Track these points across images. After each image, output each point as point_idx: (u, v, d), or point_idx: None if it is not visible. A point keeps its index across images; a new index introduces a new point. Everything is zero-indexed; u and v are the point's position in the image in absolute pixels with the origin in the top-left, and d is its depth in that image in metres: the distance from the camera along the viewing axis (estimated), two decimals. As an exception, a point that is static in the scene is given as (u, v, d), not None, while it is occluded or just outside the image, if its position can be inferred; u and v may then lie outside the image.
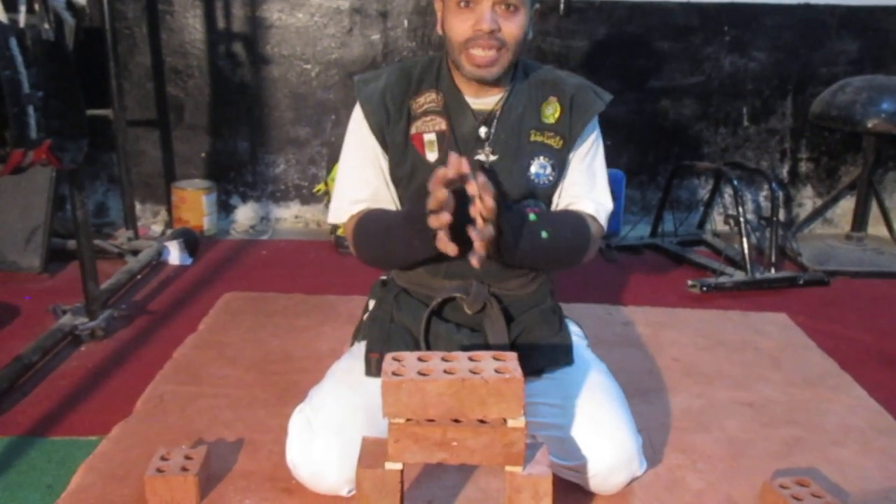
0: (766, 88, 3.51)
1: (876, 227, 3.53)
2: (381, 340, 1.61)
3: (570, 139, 1.60)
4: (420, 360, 1.20)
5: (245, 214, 3.61)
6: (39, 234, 2.86)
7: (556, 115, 1.60)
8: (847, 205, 3.60)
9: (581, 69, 3.39)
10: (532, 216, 1.49)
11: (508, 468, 1.19)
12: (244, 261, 3.12)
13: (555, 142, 1.59)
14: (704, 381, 2.11)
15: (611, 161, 3.56)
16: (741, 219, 2.97)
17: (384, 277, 1.75)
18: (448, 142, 1.56)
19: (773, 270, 2.97)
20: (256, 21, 3.37)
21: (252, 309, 2.52)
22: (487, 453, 1.16)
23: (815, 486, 1.50)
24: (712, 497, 1.59)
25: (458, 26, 1.47)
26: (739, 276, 2.90)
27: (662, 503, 1.56)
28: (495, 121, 1.57)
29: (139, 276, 2.83)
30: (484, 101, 1.58)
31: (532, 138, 1.58)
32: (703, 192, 3.56)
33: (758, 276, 2.90)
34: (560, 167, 1.61)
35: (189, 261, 3.06)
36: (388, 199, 1.63)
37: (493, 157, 1.56)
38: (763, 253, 3.09)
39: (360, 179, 1.62)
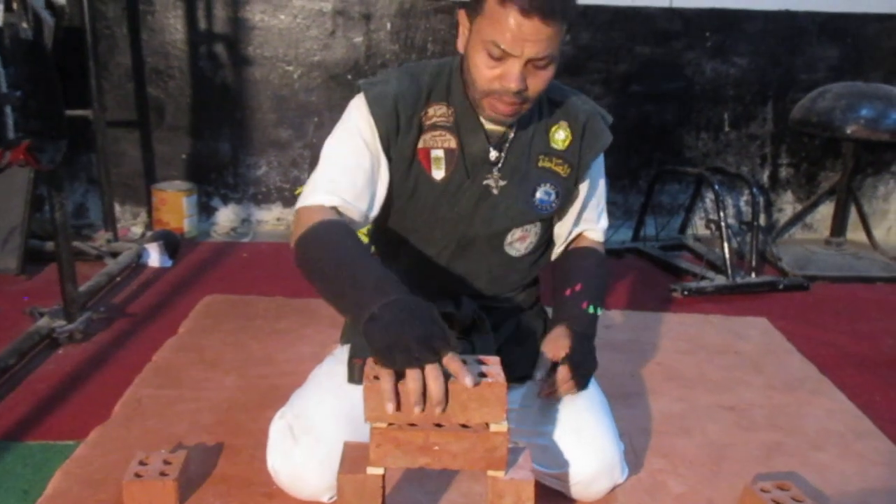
0: (747, 94, 3.53)
1: (855, 233, 3.56)
2: (365, 349, 1.59)
3: (578, 168, 1.56)
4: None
5: (226, 216, 3.59)
6: (17, 235, 2.82)
7: (567, 141, 1.55)
8: (826, 210, 3.64)
9: (564, 74, 3.40)
10: (591, 309, 1.54)
11: (491, 473, 1.18)
12: (225, 263, 3.10)
13: (562, 170, 1.55)
14: (686, 384, 2.11)
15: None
16: (722, 223, 2.99)
17: None
18: (457, 161, 1.49)
19: (753, 275, 2.99)
20: (238, 22, 3.35)
21: (233, 312, 2.50)
22: (470, 458, 1.16)
23: (796, 489, 1.51)
24: (693, 501, 1.59)
25: (484, 73, 1.35)
26: (720, 280, 2.92)
27: (644, 507, 1.57)
28: (507, 144, 1.51)
29: (118, 279, 2.81)
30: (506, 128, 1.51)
31: (540, 164, 1.54)
32: (685, 197, 3.58)
33: (739, 280, 2.92)
34: (564, 194, 1.57)
35: (169, 263, 3.03)
36: (364, 203, 1.44)
37: (502, 183, 1.51)
38: (744, 257, 3.11)
39: (345, 168, 1.43)
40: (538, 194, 1.54)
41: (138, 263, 2.98)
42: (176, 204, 3.36)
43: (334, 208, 1.39)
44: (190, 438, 1.75)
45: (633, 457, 1.73)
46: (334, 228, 1.34)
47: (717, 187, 3.08)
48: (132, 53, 3.36)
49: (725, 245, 2.96)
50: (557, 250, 1.68)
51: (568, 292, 1.56)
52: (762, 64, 3.49)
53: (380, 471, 1.19)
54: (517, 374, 1.58)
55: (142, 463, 1.51)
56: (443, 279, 1.58)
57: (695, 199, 3.51)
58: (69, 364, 2.13)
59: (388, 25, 3.37)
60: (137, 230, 3.46)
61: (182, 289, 2.77)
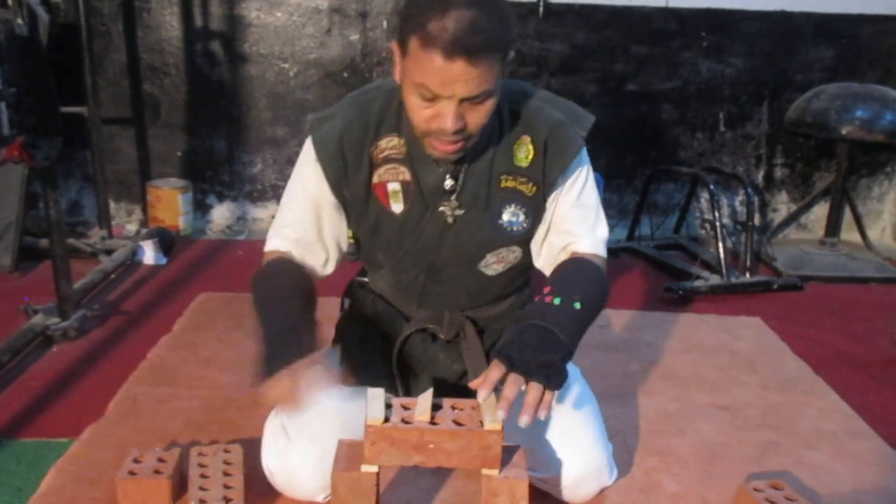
0: (742, 94, 3.54)
1: (849, 233, 3.57)
2: (356, 346, 1.60)
3: (545, 185, 1.45)
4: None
5: (221, 214, 3.58)
6: (11, 232, 2.81)
7: (529, 157, 1.43)
8: (821, 210, 3.64)
9: (559, 73, 3.41)
10: (556, 300, 1.33)
11: (485, 471, 1.19)
12: (220, 261, 3.10)
13: (527, 188, 1.45)
14: (680, 384, 2.12)
15: (589, 164, 3.57)
16: (717, 223, 2.99)
17: (362, 279, 1.71)
18: (413, 193, 1.43)
19: (748, 275, 3.00)
20: (234, 19, 3.34)
21: (227, 310, 2.50)
22: (464, 456, 1.16)
23: (789, 489, 1.52)
24: (687, 500, 1.59)
25: (419, 114, 1.28)
26: (715, 280, 2.92)
27: (638, 506, 1.57)
28: (462, 173, 1.43)
29: (113, 276, 2.80)
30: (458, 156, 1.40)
31: (503, 184, 1.44)
32: (680, 197, 3.58)
33: (733, 280, 2.92)
34: (534, 213, 1.47)
35: (164, 261, 3.03)
36: (318, 250, 1.49)
37: (459, 212, 1.44)
38: (738, 257, 3.11)
39: (296, 220, 1.49)
40: (504, 216, 1.46)
41: (133, 261, 2.97)
42: (171, 201, 3.35)
43: (290, 255, 1.48)
44: (184, 436, 1.75)
45: (627, 456, 1.73)
46: (271, 281, 1.42)
47: (712, 187, 3.09)
48: (127, 50, 3.35)
49: (720, 245, 2.96)
50: (540, 265, 1.54)
51: (536, 298, 1.41)
52: (758, 64, 3.50)
53: (374, 469, 1.19)
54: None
55: (136, 461, 1.51)
56: (421, 299, 1.57)
57: (690, 198, 3.52)
58: (63, 361, 2.13)
59: (384, 23, 3.37)
60: (132, 227, 3.45)
61: (177, 286, 2.76)
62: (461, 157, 1.39)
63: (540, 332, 1.28)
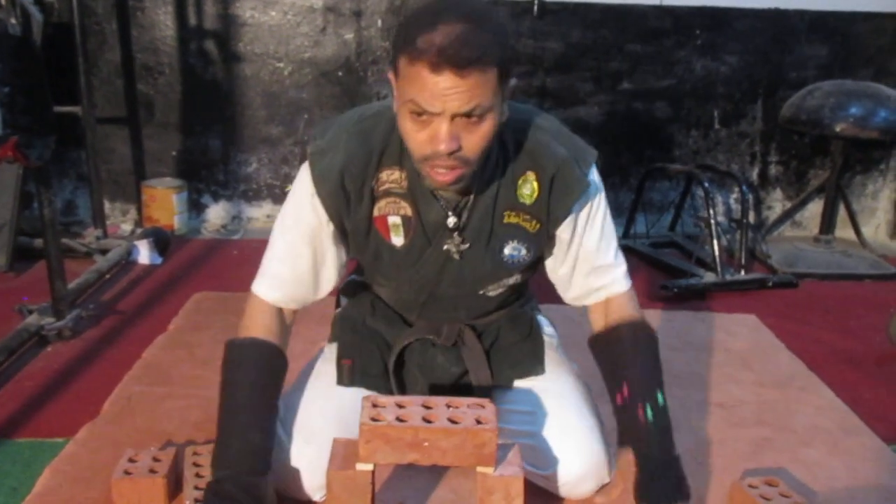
0: (736, 92, 3.54)
1: (844, 230, 3.58)
2: (353, 346, 1.60)
3: (549, 223, 1.42)
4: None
5: (216, 214, 3.58)
6: (5, 232, 2.81)
7: (534, 195, 1.40)
8: (815, 208, 3.65)
9: (555, 71, 3.41)
10: (649, 414, 1.40)
11: (480, 469, 1.19)
12: (215, 260, 3.09)
13: (531, 225, 1.43)
14: (675, 381, 2.12)
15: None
16: (712, 221, 2.99)
17: (358, 278, 1.70)
18: (415, 228, 1.41)
19: (743, 272, 3.00)
20: (229, 18, 3.34)
21: (223, 309, 2.50)
22: (459, 454, 1.16)
23: (784, 485, 1.52)
24: (682, 497, 1.60)
25: (414, 137, 1.24)
26: (710, 277, 2.92)
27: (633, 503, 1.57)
28: (466, 210, 1.40)
29: (108, 276, 2.80)
30: (461, 188, 1.36)
31: (506, 220, 1.42)
32: (675, 195, 3.59)
33: (728, 277, 2.93)
34: (535, 247, 1.46)
35: (159, 260, 3.02)
36: (308, 288, 1.48)
37: (464, 247, 1.42)
38: (733, 255, 3.11)
39: (290, 254, 1.47)
40: (506, 251, 1.44)
41: (128, 260, 2.97)
42: (166, 201, 3.34)
43: (278, 309, 1.48)
44: (179, 436, 1.75)
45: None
46: (246, 366, 1.42)
47: (706, 185, 3.09)
48: (122, 49, 3.34)
49: (715, 242, 2.97)
50: (570, 299, 1.57)
51: (619, 400, 1.44)
52: (752, 62, 3.50)
53: (369, 467, 1.20)
54: (504, 380, 1.61)
55: (131, 460, 1.51)
56: (421, 311, 1.57)
57: (685, 196, 3.52)
58: (58, 361, 2.13)
59: (379, 22, 3.37)
60: (127, 227, 3.45)
61: (172, 286, 2.76)
62: (465, 190, 1.36)
63: (665, 463, 1.38)
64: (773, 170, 3.68)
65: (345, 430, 1.41)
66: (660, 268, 3.13)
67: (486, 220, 1.41)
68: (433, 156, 1.23)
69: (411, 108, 1.20)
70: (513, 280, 1.51)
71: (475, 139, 1.23)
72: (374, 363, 1.58)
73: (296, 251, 1.45)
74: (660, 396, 1.41)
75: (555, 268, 1.53)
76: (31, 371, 2.07)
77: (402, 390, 1.59)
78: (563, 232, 1.45)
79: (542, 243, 1.46)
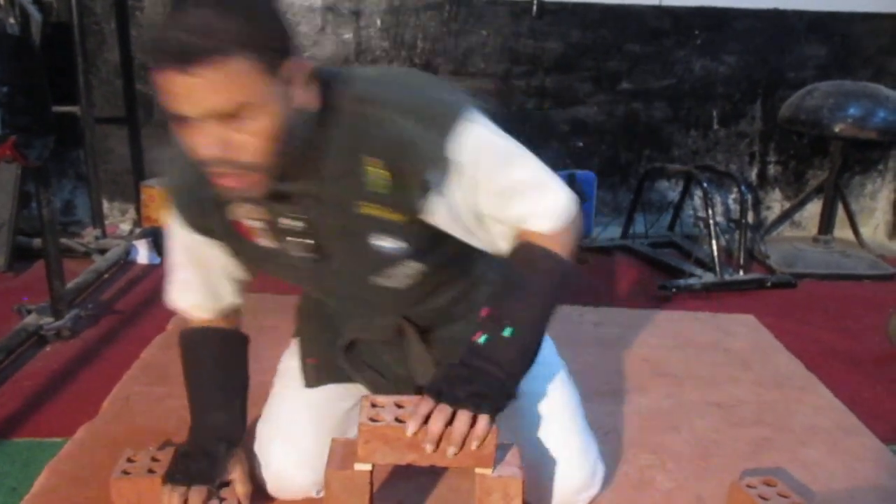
0: (735, 92, 3.54)
1: (842, 230, 3.58)
2: (315, 341, 1.56)
3: (417, 210, 1.19)
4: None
5: (215, 213, 3.57)
6: (4, 232, 2.81)
7: (388, 183, 1.17)
8: (814, 208, 3.65)
9: (554, 71, 3.41)
10: (482, 338, 1.20)
11: (478, 470, 1.19)
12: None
13: (396, 216, 1.20)
14: (674, 381, 2.12)
15: (582, 162, 3.59)
16: (711, 221, 3.00)
17: None
18: (276, 230, 1.27)
19: (741, 272, 3.01)
20: (228, 18, 3.33)
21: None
22: (458, 455, 1.16)
23: (782, 485, 1.52)
24: (681, 497, 1.60)
25: (185, 143, 1.08)
26: (709, 277, 2.93)
27: (632, 503, 1.57)
28: (312, 204, 1.22)
29: (106, 276, 2.79)
30: (293, 182, 1.19)
31: (362, 210, 1.20)
32: (674, 195, 3.59)
33: (727, 277, 2.93)
34: (412, 237, 1.24)
35: (158, 260, 3.02)
36: (222, 287, 1.43)
37: (326, 245, 1.26)
38: (732, 255, 3.12)
39: (186, 281, 1.42)
40: (374, 242, 1.24)
41: (126, 260, 2.97)
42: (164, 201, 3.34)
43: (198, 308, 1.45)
44: (178, 435, 1.74)
45: (621, 453, 1.73)
46: (200, 355, 1.47)
47: (705, 185, 3.09)
48: (120, 49, 3.34)
49: (714, 242, 2.97)
50: (496, 251, 1.30)
51: (478, 320, 1.26)
52: (751, 62, 3.50)
53: (367, 467, 1.19)
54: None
55: (130, 460, 1.50)
56: (348, 310, 1.48)
57: (684, 196, 3.52)
58: (57, 361, 2.13)
59: (378, 22, 3.37)
60: (126, 227, 3.44)
61: (171, 286, 2.76)
62: (300, 192, 1.20)
63: (468, 369, 1.19)
64: (772, 170, 3.68)
65: (321, 426, 1.45)
66: (659, 268, 3.13)
67: (339, 215, 1.21)
68: (207, 163, 1.07)
69: (171, 116, 1.05)
70: (410, 269, 1.30)
71: (251, 141, 1.05)
72: (335, 359, 1.51)
73: (189, 271, 1.41)
74: (508, 330, 1.20)
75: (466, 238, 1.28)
76: (29, 371, 2.07)
77: (372, 386, 1.51)
78: (439, 213, 1.20)
79: (422, 231, 1.23)
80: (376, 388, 1.49)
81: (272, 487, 1.48)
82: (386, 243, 1.24)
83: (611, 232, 3.48)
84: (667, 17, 3.42)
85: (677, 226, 3.55)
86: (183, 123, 1.04)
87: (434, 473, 1.60)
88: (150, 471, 1.47)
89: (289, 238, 1.26)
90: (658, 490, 1.62)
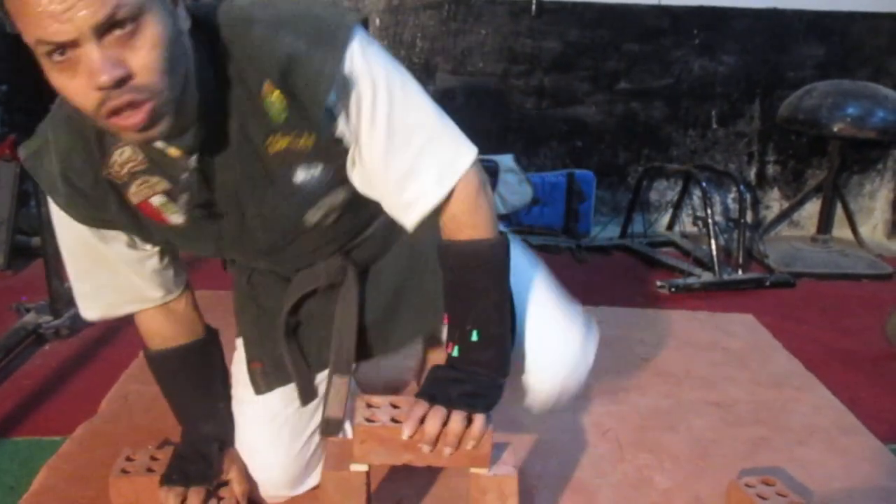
0: (734, 92, 3.54)
1: (841, 230, 3.58)
2: (256, 342, 1.49)
3: (323, 127, 1.10)
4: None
5: (214, 212, 3.57)
6: (3, 230, 2.80)
7: (284, 107, 1.08)
8: (813, 207, 3.65)
9: (552, 70, 3.41)
10: (454, 351, 1.20)
11: (474, 470, 1.19)
12: (212, 260, 3.08)
13: (304, 140, 1.12)
14: (672, 380, 2.12)
15: (581, 162, 3.59)
16: (709, 220, 3.00)
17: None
18: (184, 201, 1.15)
19: (740, 272, 3.01)
20: (227, 17, 3.33)
21: (220, 307, 2.47)
22: (454, 455, 1.16)
23: (781, 485, 1.52)
24: (679, 496, 1.60)
25: (71, 91, 0.92)
26: (707, 277, 2.93)
27: (630, 502, 1.57)
28: (215, 161, 1.12)
29: (105, 274, 2.79)
30: (185, 138, 1.06)
31: (273, 148, 1.12)
32: (673, 194, 3.59)
33: (725, 277, 2.93)
34: (331, 158, 1.15)
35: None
36: (143, 278, 1.32)
37: (243, 200, 1.18)
38: (731, 254, 3.12)
39: (99, 287, 1.32)
40: (298, 178, 1.15)
41: (125, 259, 2.96)
42: (163, 199, 3.34)
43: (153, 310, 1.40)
44: (177, 434, 1.73)
45: (620, 452, 1.74)
46: (163, 381, 1.47)
47: (704, 184, 3.10)
48: (119, 48, 3.34)
49: (713, 242, 2.97)
50: (405, 222, 1.19)
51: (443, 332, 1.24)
52: (749, 61, 3.50)
53: (363, 467, 1.19)
54: (398, 344, 1.44)
55: (128, 459, 1.50)
56: (285, 265, 1.38)
57: (682, 196, 3.52)
58: (55, 360, 2.13)
59: (377, 21, 3.37)
60: (125, 226, 3.44)
61: (169, 285, 2.75)
62: (195, 144, 1.07)
63: (456, 371, 1.19)
64: (771, 169, 3.68)
65: (282, 436, 1.46)
66: (657, 267, 3.13)
67: (249, 161, 1.13)
68: (104, 100, 0.91)
69: (45, 52, 0.89)
70: (338, 198, 1.21)
71: (144, 54, 0.91)
72: (279, 348, 1.44)
73: (97, 273, 1.30)
74: (474, 334, 1.18)
75: (362, 186, 1.19)
76: (28, 369, 2.07)
77: (320, 362, 1.45)
78: (341, 134, 1.13)
79: (336, 151, 1.15)
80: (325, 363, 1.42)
81: (266, 496, 1.51)
82: (305, 174, 1.15)
83: (609, 231, 3.48)
84: (665, 17, 3.42)
85: (676, 225, 3.55)
86: (67, 59, 0.89)
87: (431, 473, 1.60)
88: (149, 469, 1.47)
89: (198, 209, 1.16)
90: (656, 489, 1.62)
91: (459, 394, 1.15)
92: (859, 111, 3.08)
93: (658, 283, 2.87)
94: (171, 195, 1.15)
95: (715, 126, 3.59)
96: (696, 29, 3.44)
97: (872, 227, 3.75)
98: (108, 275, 1.29)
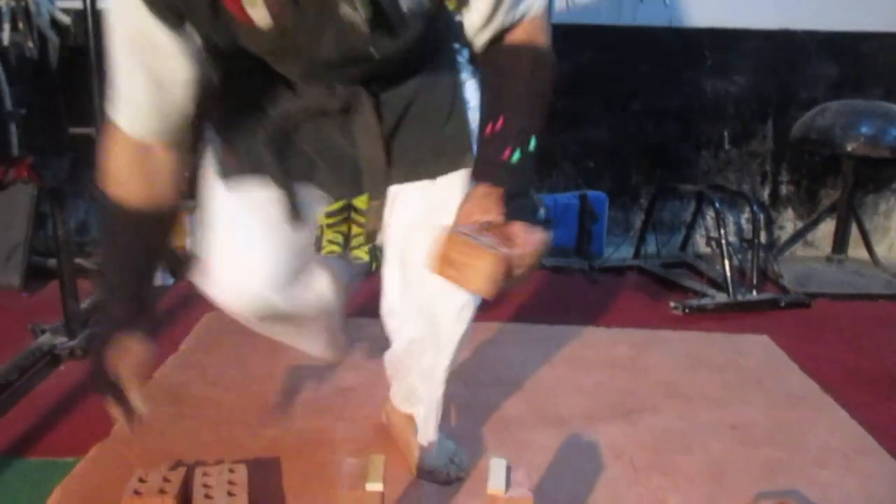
0: (746, 112, 3.55)
1: (856, 250, 3.56)
2: (232, 136, 1.42)
3: None
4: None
5: (228, 234, 3.59)
6: (19, 252, 2.83)
7: None
8: (827, 227, 3.64)
9: (566, 93, 3.42)
10: (517, 155, 1.20)
11: (490, 491, 1.18)
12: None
13: None
14: (687, 402, 2.11)
15: (593, 183, 3.59)
16: (723, 241, 2.99)
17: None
18: None
19: (754, 292, 2.99)
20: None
21: (234, 329, 2.48)
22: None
23: (797, 507, 1.51)
24: (694, 519, 1.59)
25: None
26: (721, 297, 2.91)
27: (645, 525, 1.56)
28: None
29: (120, 296, 2.80)
30: None
31: None
32: (686, 214, 3.59)
33: (740, 297, 2.92)
34: None
35: (171, 281, 3.04)
36: (174, 103, 1.23)
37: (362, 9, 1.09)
38: (745, 275, 3.10)
39: (132, 94, 1.21)
40: (404, 4, 1.12)
41: (140, 280, 2.98)
42: (178, 222, 3.36)
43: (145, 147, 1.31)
44: (189, 456, 1.75)
45: (634, 474, 1.72)
46: (117, 232, 1.42)
47: (717, 205, 3.09)
48: (136, 72, 3.38)
49: (726, 262, 2.96)
50: (481, 42, 1.25)
51: (488, 130, 1.22)
52: (762, 82, 3.51)
53: (379, 487, 1.19)
54: (417, 177, 1.40)
55: (141, 480, 1.51)
56: (312, 84, 1.32)
57: (696, 216, 3.52)
58: (70, 380, 2.14)
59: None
60: (140, 247, 3.46)
61: (183, 306, 2.77)
62: None
63: (522, 201, 1.19)
64: (785, 189, 3.67)
65: (263, 229, 1.41)
66: (671, 288, 3.12)
67: None
68: None
69: None
70: (415, 31, 1.19)
71: None
72: (262, 151, 1.37)
73: (134, 85, 1.19)
74: (532, 141, 1.21)
75: (472, 22, 1.22)
76: (43, 390, 2.08)
77: (299, 175, 1.40)
78: None
79: None
80: (307, 175, 1.40)
81: (226, 298, 1.49)
82: (413, 6, 1.14)
83: (623, 252, 3.48)
84: (677, 38, 3.44)
85: (689, 246, 3.54)
86: None
87: (446, 493, 1.60)
88: (161, 491, 1.48)
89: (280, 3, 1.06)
90: (671, 512, 1.61)
91: (530, 213, 1.17)
92: (873, 130, 3.08)
93: (672, 304, 2.86)
94: None
95: (728, 146, 3.59)
96: (707, 50, 3.46)
97: (888, 247, 3.72)
98: (152, 86, 1.19)
